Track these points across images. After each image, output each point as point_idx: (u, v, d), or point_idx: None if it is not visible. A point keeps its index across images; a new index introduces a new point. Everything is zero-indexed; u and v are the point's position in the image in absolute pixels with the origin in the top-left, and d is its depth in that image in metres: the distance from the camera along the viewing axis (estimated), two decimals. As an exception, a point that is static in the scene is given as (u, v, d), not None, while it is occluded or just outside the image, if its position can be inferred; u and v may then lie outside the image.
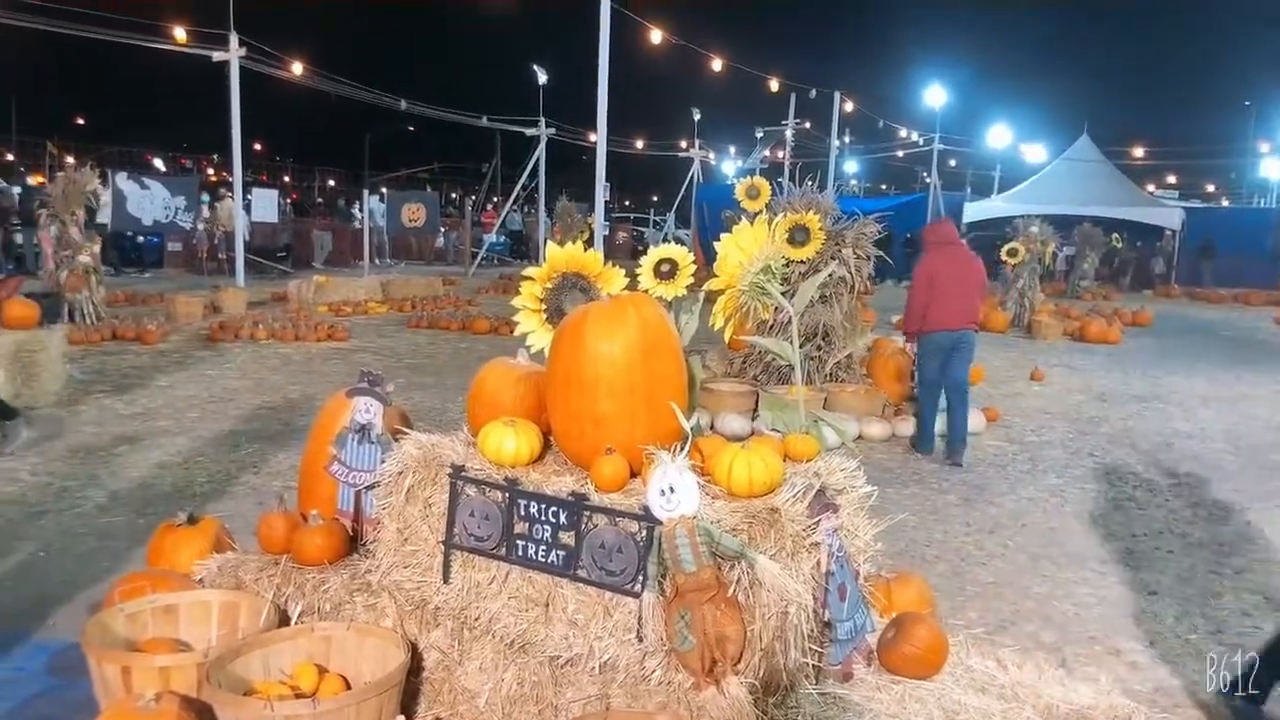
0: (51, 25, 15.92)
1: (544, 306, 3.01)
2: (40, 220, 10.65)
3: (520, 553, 2.59)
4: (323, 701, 2.46)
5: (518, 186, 26.54)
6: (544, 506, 2.54)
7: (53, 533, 4.44)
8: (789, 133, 31.88)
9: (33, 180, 24.65)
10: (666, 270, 2.97)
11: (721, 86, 25.84)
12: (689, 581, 2.22)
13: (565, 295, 3.01)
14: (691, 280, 2.94)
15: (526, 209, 31.08)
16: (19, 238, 16.77)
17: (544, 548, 2.55)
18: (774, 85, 25.09)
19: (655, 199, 54.03)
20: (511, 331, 11.04)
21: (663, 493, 2.27)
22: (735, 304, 2.80)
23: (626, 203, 54.74)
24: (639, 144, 31.67)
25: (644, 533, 2.38)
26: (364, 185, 28.15)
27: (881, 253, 7.86)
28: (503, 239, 28.89)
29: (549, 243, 3.06)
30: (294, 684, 2.69)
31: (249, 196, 17.86)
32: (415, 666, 2.76)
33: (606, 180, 15.50)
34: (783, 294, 2.81)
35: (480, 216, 31.14)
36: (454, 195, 49.74)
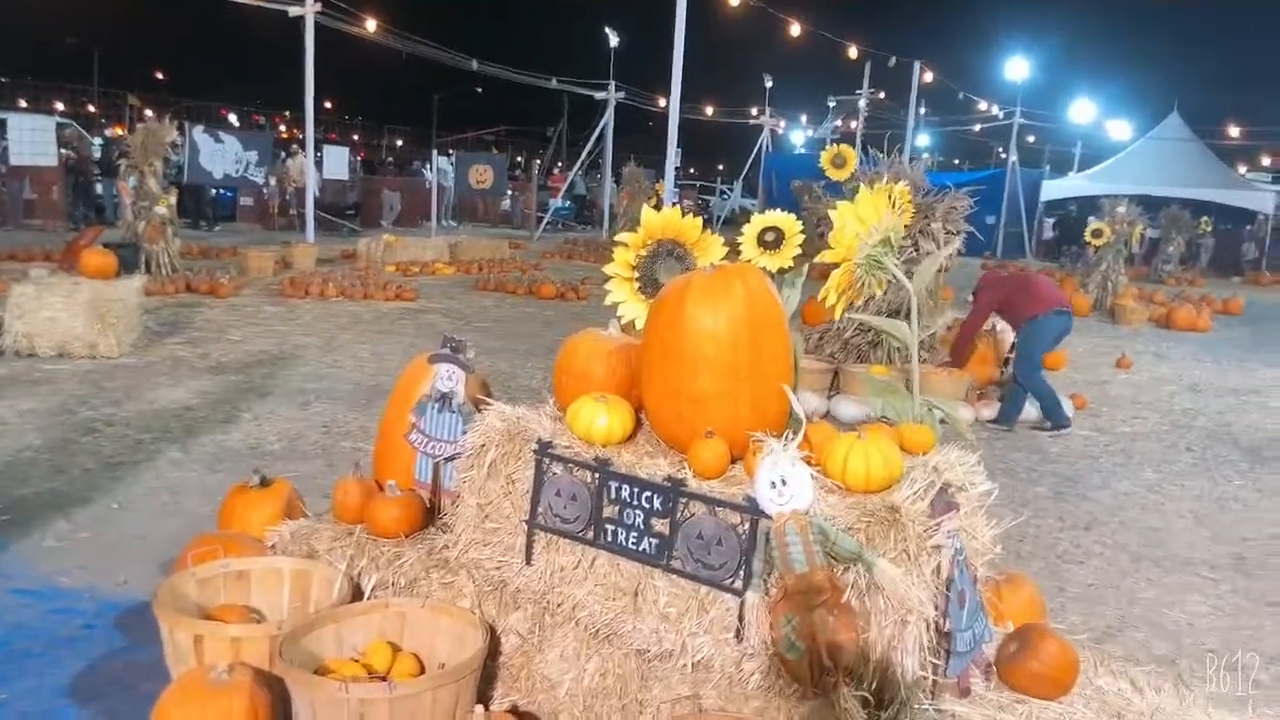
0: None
1: (637, 275, 2.82)
2: (120, 171, 10.77)
3: (609, 538, 2.42)
4: (399, 685, 2.34)
5: (585, 151, 26.30)
6: (637, 491, 2.36)
7: (128, 485, 4.41)
8: (863, 102, 31.08)
9: (112, 132, 25.07)
10: (771, 239, 2.76)
11: (795, 53, 25.19)
12: (799, 583, 2.03)
13: (660, 263, 2.82)
14: (799, 251, 2.72)
15: (591, 174, 30.88)
16: (100, 188, 17.09)
17: (635, 534, 2.37)
18: (852, 52, 24.39)
19: (721, 167, 53.30)
20: (578, 297, 10.87)
21: (773, 485, 2.08)
22: (850, 278, 2.58)
23: (691, 170, 54.11)
24: (709, 110, 31.15)
25: (747, 525, 2.19)
26: (432, 146, 28.21)
27: (971, 228, 7.50)
28: (568, 204, 28.74)
29: (644, 207, 2.86)
30: (367, 662, 2.57)
31: (320, 153, 17.93)
32: (492, 650, 2.62)
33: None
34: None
35: (547, 180, 30.99)
36: (519, 159, 49.71)
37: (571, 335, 2.75)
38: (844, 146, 7.47)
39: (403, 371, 3.26)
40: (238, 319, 8.98)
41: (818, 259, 2.64)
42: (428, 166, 26.40)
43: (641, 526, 2.36)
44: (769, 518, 2.11)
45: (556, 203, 26.55)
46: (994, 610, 2.67)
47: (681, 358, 2.36)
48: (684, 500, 2.29)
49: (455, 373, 2.92)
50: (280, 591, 2.93)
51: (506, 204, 27.61)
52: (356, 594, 2.85)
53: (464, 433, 2.82)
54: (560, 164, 41.00)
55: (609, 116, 24.55)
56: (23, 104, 38.76)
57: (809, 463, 2.17)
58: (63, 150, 15.56)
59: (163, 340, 7.64)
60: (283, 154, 21.85)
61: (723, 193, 36.99)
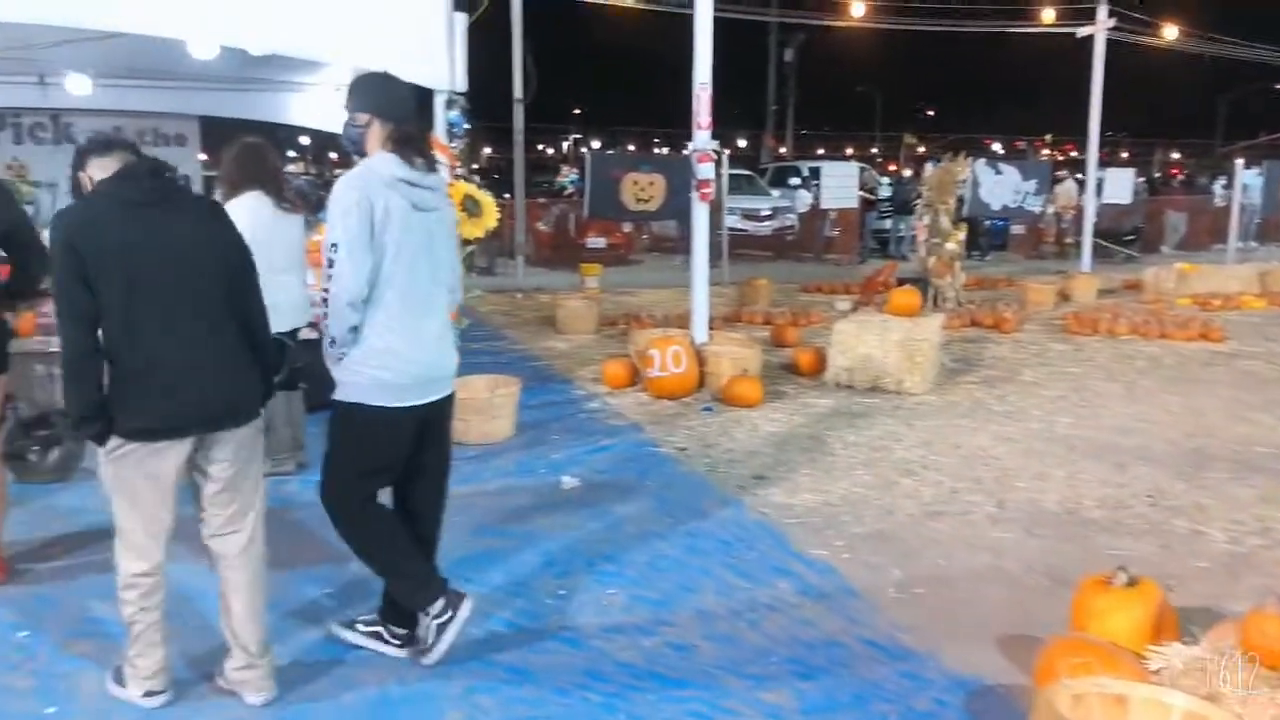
0: (915, 24, 17.16)
1: None
2: (916, 210, 11.40)
3: None
4: None
5: None
6: None
7: (950, 539, 4.36)
8: None
9: (906, 172, 27.16)
10: None
11: None
12: None
13: None
14: None
15: None
16: (888, 224, 18.64)
17: None
18: None
19: None
20: None
21: None
22: None
23: None
24: None
25: None
26: (1216, 156, 24.51)
27: None
28: None
29: None
30: None
31: (1100, 176, 16.81)
32: None
33: None
34: None
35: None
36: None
37: None
38: None
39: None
40: (1026, 357, 8.67)
41: None
42: (1219, 180, 23.04)
43: None
44: None
45: None
46: None
47: None
48: None
49: None
50: (1167, 731, 2.43)
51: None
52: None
53: None
54: None
55: None
56: (819, 152, 44.86)
57: None
58: (860, 192, 17.28)
59: (958, 378, 7.69)
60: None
61: None
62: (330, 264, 2.85)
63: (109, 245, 2.64)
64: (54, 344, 4.94)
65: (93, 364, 2.68)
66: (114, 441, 2.74)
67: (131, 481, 2.77)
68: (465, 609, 3.14)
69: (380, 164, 2.96)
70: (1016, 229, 19.84)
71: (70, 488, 4.87)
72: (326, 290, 2.88)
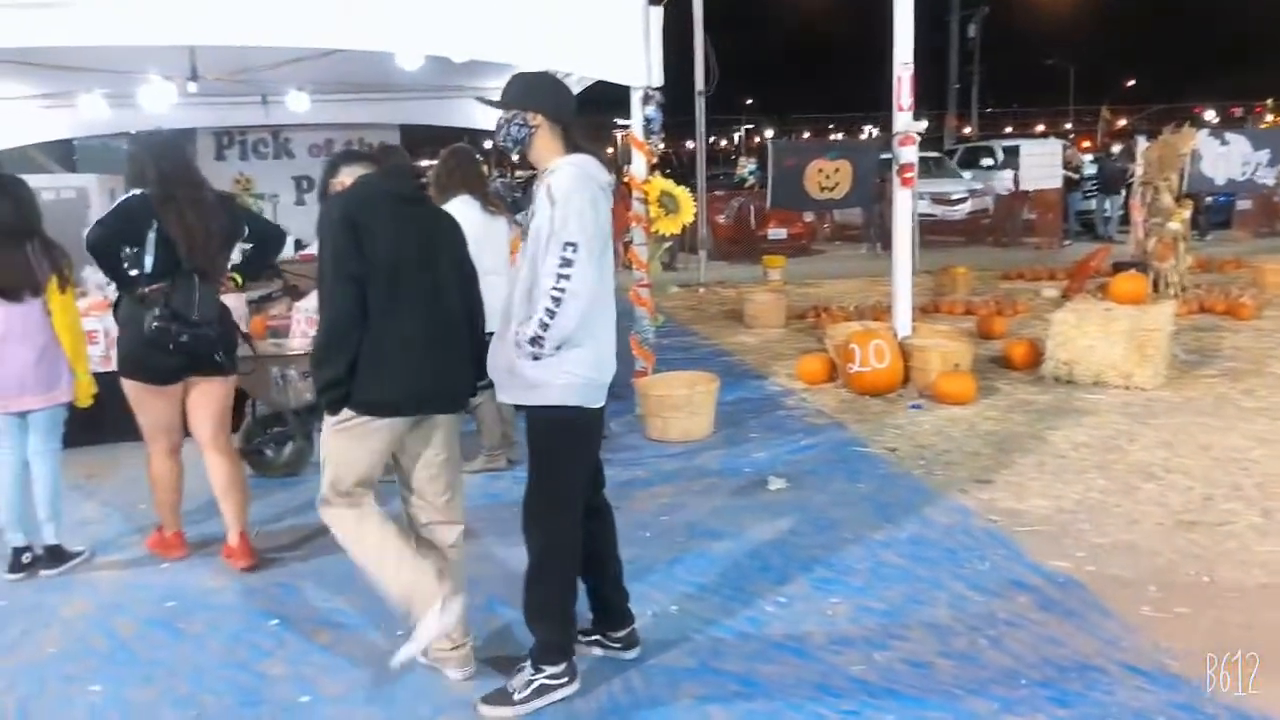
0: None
1: None
2: (1132, 188, 10.49)
3: None
4: None
5: None
6: None
7: (1210, 553, 3.89)
8: None
9: (1115, 147, 25.24)
10: None
11: None
12: None
13: None
14: None
15: None
16: (1093, 203, 17.35)
17: None
18: None
19: None
20: None
21: None
22: None
23: None
24: None
25: None
26: None
27: None
28: None
29: None
30: None
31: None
32: None
33: None
34: None
35: None
36: None
37: None
38: None
39: None
40: (1272, 346, 7.79)
41: None
42: None
43: None
44: None
45: None
46: None
47: None
48: None
49: None
50: None
51: None
52: None
53: None
54: None
55: None
56: (1007, 130, 42.41)
57: None
58: (1065, 171, 16.18)
59: (1194, 371, 6.98)
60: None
61: None
62: (567, 263, 2.72)
63: (378, 227, 2.87)
64: (288, 346, 5.29)
65: (355, 332, 2.85)
66: (345, 413, 2.91)
67: (350, 450, 2.94)
68: (572, 688, 2.97)
69: (590, 165, 2.90)
70: (1242, 205, 18.03)
71: (303, 481, 5.16)
72: (560, 290, 2.72)
